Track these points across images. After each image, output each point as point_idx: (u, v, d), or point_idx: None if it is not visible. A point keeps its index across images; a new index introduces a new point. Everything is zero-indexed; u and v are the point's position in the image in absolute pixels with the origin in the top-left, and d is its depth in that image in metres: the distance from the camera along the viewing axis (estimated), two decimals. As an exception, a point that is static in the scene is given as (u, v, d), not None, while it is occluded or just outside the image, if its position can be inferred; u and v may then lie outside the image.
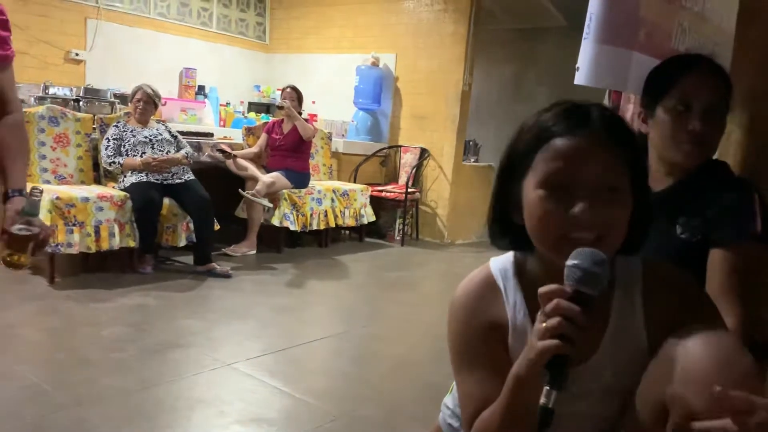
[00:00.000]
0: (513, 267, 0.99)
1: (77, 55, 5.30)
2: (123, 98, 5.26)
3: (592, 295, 0.78)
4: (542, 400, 0.74)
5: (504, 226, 0.97)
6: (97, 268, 3.85)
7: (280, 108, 4.84)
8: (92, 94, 4.75)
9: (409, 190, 5.52)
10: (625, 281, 0.94)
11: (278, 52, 6.85)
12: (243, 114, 6.44)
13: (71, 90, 4.76)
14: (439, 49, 5.66)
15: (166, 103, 5.13)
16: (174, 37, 6.02)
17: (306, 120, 4.92)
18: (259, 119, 6.33)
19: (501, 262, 1.02)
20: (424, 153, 5.77)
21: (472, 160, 5.98)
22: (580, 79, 1.40)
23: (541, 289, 0.79)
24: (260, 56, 6.86)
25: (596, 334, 0.92)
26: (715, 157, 1.41)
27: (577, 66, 1.40)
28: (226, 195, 4.62)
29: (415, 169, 5.74)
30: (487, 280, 1.00)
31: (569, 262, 0.80)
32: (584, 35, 1.37)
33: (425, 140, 5.79)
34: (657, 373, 0.83)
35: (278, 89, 6.70)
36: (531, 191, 0.89)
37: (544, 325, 0.77)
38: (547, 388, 0.74)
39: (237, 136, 5.52)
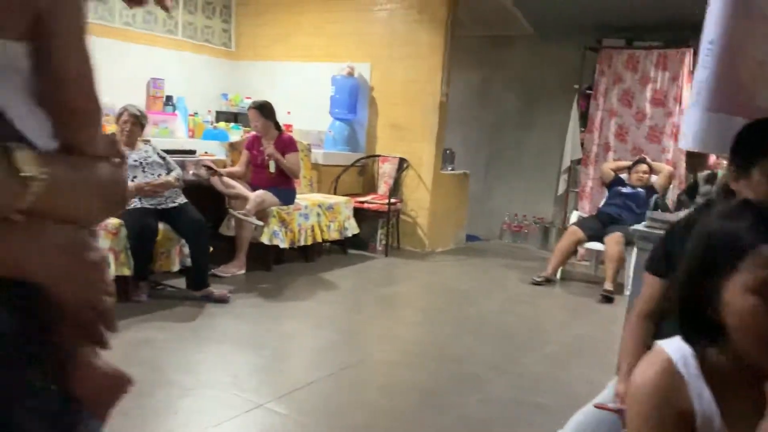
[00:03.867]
0: (694, 356, 1.03)
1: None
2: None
3: None
4: None
5: (696, 321, 1.01)
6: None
7: (269, 158, 4.69)
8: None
9: (391, 200, 5.54)
10: None
11: (245, 59, 6.70)
12: (212, 124, 6.27)
13: None
14: (415, 60, 5.69)
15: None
16: (140, 46, 5.79)
17: (282, 134, 4.83)
18: (229, 128, 6.20)
19: (677, 349, 1.05)
20: (402, 163, 5.79)
21: (449, 168, 6.05)
22: (686, 144, 1.46)
23: None
24: (227, 64, 6.70)
25: None
26: None
27: (681, 131, 1.45)
28: (210, 213, 4.50)
29: (394, 180, 5.76)
30: (669, 369, 1.03)
31: None
32: (691, 103, 1.43)
33: (403, 150, 5.81)
34: None
35: (246, 97, 6.59)
36: (739, 296, 0.93)
37: None
38: None
39: (211, 148, 5.39)
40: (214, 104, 6.57)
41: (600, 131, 6.04)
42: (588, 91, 6.16)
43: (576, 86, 6.19)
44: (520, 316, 4.19)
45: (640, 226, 2.41)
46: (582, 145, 6.17)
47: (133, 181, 3.78)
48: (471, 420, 2.58)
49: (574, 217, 5.41)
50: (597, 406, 1.54)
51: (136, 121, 3.89)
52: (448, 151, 6.01)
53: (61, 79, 0.68)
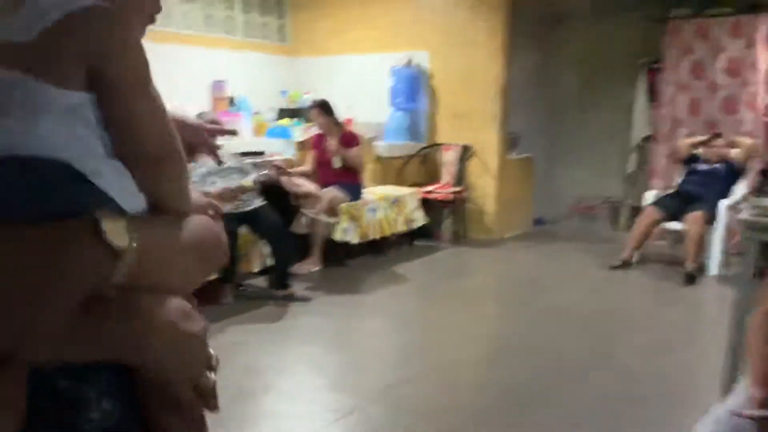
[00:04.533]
0: None
1: (111, 78, 5.17)
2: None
3: None
4: None
5: None
6: (178, 303, 3.80)
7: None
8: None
9: (457, 189, 5.50)
10: None
11: (302, 55, 6.73)
12: (274, 121, 6.34)
13: None
14: (474, 46, 5.60)
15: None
16: (200, 49, 5.89)
17: (344, 130, 4.85)
18: (291, 125, 6.26)
19: None
20: (466, 150, 5.73)
21: (514, 153, 5.96)
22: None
23: None
24: (285, 60, 6.74)
25: None
26: None
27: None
28: (281, 212, 4.55)
29: (458, 168, 5.71)
30: None
31: None
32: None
33: (466, 137, 5.75)
34: None
35: (305, 93, 6.63)
36: None
37: None
38: None
39: (276, 146, 5.45)
40: (274, 102, 6.64)
41: (670, 106, 5.82)
42: (654, 65, 5.94)
43: (641, 61, 5.98)
44: (603, 304, 4.10)
45: (746, 214, 2.31)
46: (651, 121, 5.97)
47: (212, 186, 3.86)
48: (567, 419, 2.56)
49: (650, 196, 5.24)
50: (734, 414, 1.49)
51: (211, 128, 3.96)
52: (512, 136, 5.91)
53: (127, 129, 0.64)
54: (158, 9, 0.75)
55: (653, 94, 5.96)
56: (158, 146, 0.66)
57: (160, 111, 0.66)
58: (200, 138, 0.90)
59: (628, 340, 3.44)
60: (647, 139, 6.05)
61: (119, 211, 0.62)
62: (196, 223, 0.72)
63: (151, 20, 0.75)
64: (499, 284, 4.74)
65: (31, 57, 0.59)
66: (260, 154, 4.85)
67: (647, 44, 5.92)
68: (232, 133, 0.94)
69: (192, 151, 0.87)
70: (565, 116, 6.80)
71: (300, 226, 4.77)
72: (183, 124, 0.85)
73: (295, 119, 6.41)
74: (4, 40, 0.60)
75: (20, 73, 0.59)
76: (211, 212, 0.77)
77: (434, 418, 2.54)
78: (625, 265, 4.82)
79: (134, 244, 0.59)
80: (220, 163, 0.93)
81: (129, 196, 0.65)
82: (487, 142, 5.67)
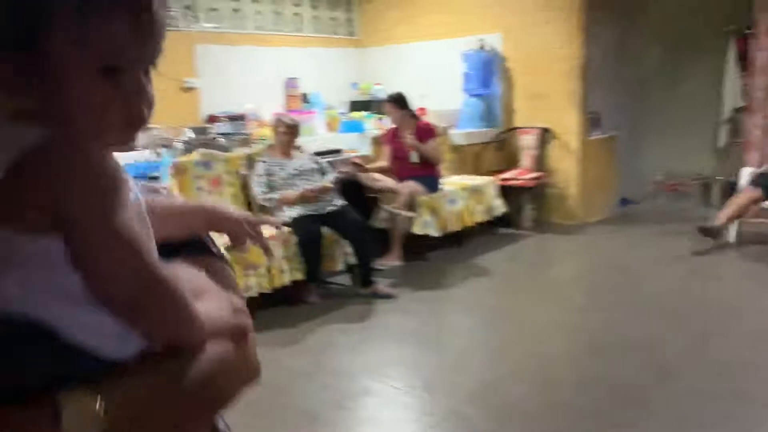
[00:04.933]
0: None
1: (190, 83, 5.32)
2: (237, 119, 5.29)
3: None
4: None
5: None
6: (267, 305, 3.89)
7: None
8: (231, 129, 4.83)
9: (537, 174, 5.35)
10: None
11: (371, 46, 6.71)
12: (346, 115, 6.36)
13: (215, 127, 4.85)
14: (550, 24, 5.40)
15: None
16: (272, 48, 5.96)
17: (420, 122, 4.79)
18: (363, 117, 6.26)
19: None
20: (545, 133, 5.56)
21: (595, 133, 5.73)
22: None
23: None
24: (354, 53, 6.74)
25: None
26: None
27: None
28: (360, 207, 4.57)
29: (537, 151, 5.55)
30: None
31: None
32: None
33: (544, 120, 5.58)
34: None
35: (376, 84, 6.61)
36: None
37: None
38: None
39: (351, 141, 5.47)
40: (345, 95, 6.66)
41: (765, 74, 5.42)
42: (746, 32, 5.54)
43: (729, 28, 5.60)
44: (701, 291, 3.90)
45: None
46: (743, 91, 5.59)
47: (293, 189, 3.92)
48: (672, 416, 2.44)
49: (745, 172, 4.92)
50: None
51: (291, 131, 4.01)
52: (592, 115, 5.69)
53: (91, 270, 0.56)
54: (140, 121, 0.61)
55: (744, 63, 5.57)
56: (131, 287, 0.57)
57: (128, 246, 0.56)
58: (243, 231, 0.84)
59: (730, 330, 3.25)
60: (739, 110, 5.68)
61: (93, 375, 0.56)
62: (207, 359, 0.62)
63: (131, 130, 0.61)
64: (588, 272, 4.59)
65: None
66: (337, 152, 4.88)
67: (735, 10, 5.53)
68: (277, 226, 0.87)
69: (237, 241, 0.81)
70: (649, 91, 6.47)
71: (379, 220, 4.77)
72: (224, 218, 0.79)
73: (367, 111, 6.41)
74: None
75: None
76: (236, 333, 0.67)
77: (536, 419, 2.49)
78: (717, 233, 4.54)
79: (105, 426, 0.53)
80: (269, 253, 0.87)
81: (113, 341, 0.58)
82: (567, 123, 5.48)
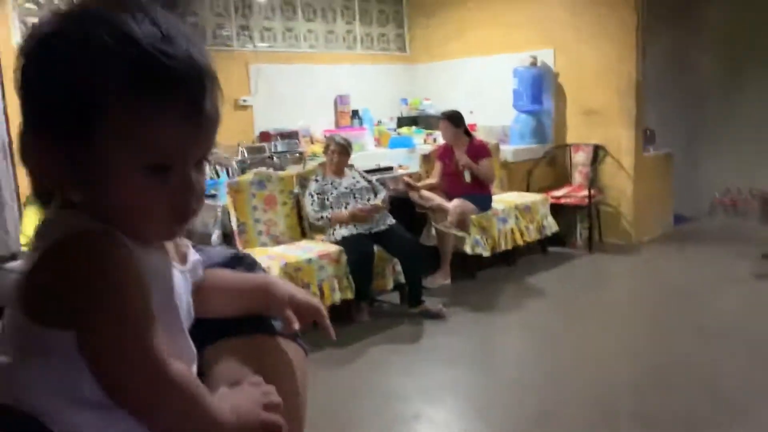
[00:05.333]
0: None
1: (244, 101, 5.44)
2: (289, 136, 5.38)
3: None
4: None
5: None
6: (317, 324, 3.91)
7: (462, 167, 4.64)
8: (285, 147, 4.92)
9: (590, 191, 5.25)
10: None
11: (421, 61, 6.72)
12: (395, 131, 6.39)
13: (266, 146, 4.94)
14: (604, 39, 5.30)
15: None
16: (325, 66, 6.04)
17: (473, 140, 4.75)
18: (411, 133, 6.28)
19: None
20: (598, 150, 5.46)
21: (650, 150, 5.59)
22: None
23: None
24: (403, 68, 6.77)
25: None
26: None
27: None
28: (409, 224, 4.56)
29: (590, 168, 5.45)
30: None
31: None
32: None
33: (597, 136, 5.48)
34: None
35: (425, 99, 6.62)
36: None
37: None
38: None
39: (400, 156, 5.49)
40: (394, 110, 6.69)
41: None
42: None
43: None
44: (766, 317, 3.74)
45: None
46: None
47: (345, 208, 3.95)
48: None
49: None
50: None
51: (343, 150, 4.05)
52: (647, 132, 5.55)
53: (104, 377, 0.55)
54: (187, 216, 0.60)
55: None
56: (144, 393, 0.56)
57: (140, 354, 0.55)
58: (310, 314, 0.81)
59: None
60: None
61: None
62: None
63: (177, 224, 0.61)
64: (644, 295, 4.46)
65: (18, 292, 0.56)
66: (389, 170, 4.89)
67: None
68: (327, 328, 0.83)
69: (289, 327, 0.78)
70: (706, 104, 6.29)
71: (428, 238, 4.76)
72: (292, 301, 0.76)
73: (416, 126, 6.43)
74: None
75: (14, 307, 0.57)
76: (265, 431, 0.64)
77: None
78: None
79: None
80: (331, 334, 0.84)
81: None
82: (621, 140, 5.37)
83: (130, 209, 0.57)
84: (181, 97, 0.56)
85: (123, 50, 0.54)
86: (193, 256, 0.71)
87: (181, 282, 0.66)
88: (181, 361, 0.60)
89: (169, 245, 0.67)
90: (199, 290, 0.72)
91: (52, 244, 0.55)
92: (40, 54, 0.56)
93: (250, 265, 0.84)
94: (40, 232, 0.58)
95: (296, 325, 0.75)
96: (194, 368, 0.67)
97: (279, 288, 0.77)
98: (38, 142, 0.57)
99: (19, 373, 0.57)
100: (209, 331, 0.73)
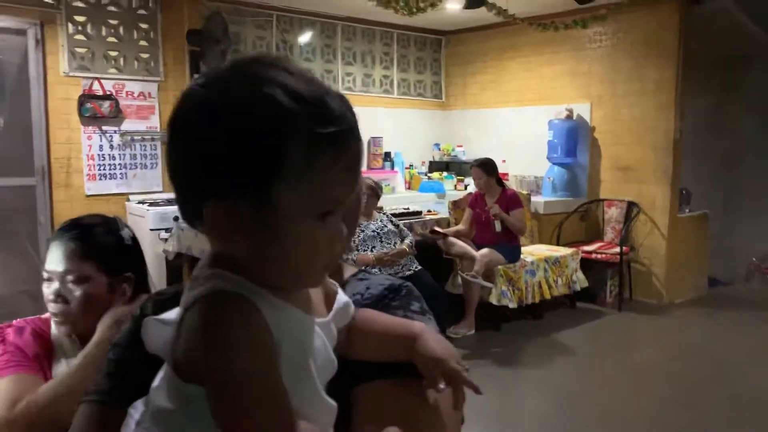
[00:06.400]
0: None
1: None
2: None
3: None
4: None
5: None
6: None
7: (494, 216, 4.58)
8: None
9: (622, 248, 5.14)
10: None
11: (455, 108, 6.77)
12: (426, 175, 6.40)
13: None
14: (642, 96, 5.27)
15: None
16: (360, 108, 6.05)
17: (506, 190, 4.70)
18: (442, 178, 6.27)
19: None
20: (632, 207, 5.37)
21: (686, 210, 5.48)
22: None
23: None
24: (438, 114, 6.82)
25: None
26: None
27: None
28: (435, 270, 4.51)
29: (623, 225, 5.35)
30: None
31: None
32: None
33: (631, 193, 5.39)
34: None
35: (458, 146, 6.63)
36: None
37: None
38: None
39: (430, 202, 5.48)
40: (427, 155, 6.72)
41: None
42: None
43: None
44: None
45: None
46: None
47: (372, 251, 3.92)
48: None
49: None
50: None
51: (373, 193, 4.04)
52: (683, 191, 5.45)
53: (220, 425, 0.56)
54: (336, 261, 0.65)
55: None
56: None
57: (263, 414, 0.55)
58: (438, 375, 0.74)
59: None
60: None
61: None
62: None
63: (325, 271, 0.64)
64: (675, 359, 4.29)
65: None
66: (417, 214, 4.87)
67: None
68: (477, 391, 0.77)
69: (431, 383, 0.72)
70: (744, 165, 6.17)
71: (454, 286, 4.69)
72: (437, 366, 0.71)
73: (447, 172, 6.43)
74: None
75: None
76: None
77: None
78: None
79: None
80: (477, 392, 0.77)
81: None
82: (656, 198, 5.27)
83: (298, 256, 0.59)
84: (350, 147, 0.60)
85: (298, 109, 0.56)
86: (342, 298, 0.72)
87: (321, 338, 0.65)
88: (315, 423, 0.61)
89: (315, 292, 0.68)
90: (349, 330, 0.73)
91: (196, 298, 0.57)
92: (218, 123, 0.57)
93: (406, 296, 0.83)
94: (190, 287, 0.60)
95: (441, 386, 0.71)
96: (332, 420, 0.66)
97: (426, 347, 0.73)
98: (221, 206, 0.57)
99: (174, 420, 0.60)
100: (361, 370, 0.73)
